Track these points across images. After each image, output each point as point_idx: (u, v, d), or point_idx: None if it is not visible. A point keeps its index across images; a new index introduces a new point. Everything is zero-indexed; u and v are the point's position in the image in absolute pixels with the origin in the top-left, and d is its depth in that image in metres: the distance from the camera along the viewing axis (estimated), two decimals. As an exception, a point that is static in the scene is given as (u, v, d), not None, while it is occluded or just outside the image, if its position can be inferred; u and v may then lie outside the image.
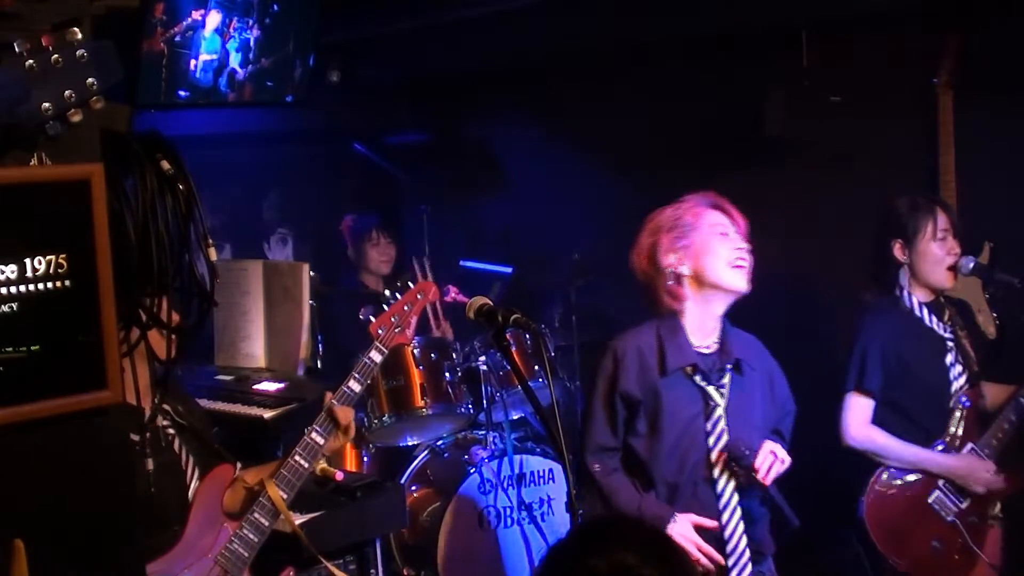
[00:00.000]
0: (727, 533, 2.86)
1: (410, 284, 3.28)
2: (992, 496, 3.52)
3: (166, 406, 2.98)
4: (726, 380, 2.90)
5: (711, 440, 2.88)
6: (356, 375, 3.05)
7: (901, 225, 3.52)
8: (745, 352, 2.95)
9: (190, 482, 2.94)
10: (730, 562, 2.84)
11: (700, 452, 2.88)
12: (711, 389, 2.89)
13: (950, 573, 3.50)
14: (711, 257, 2.87)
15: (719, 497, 2.88)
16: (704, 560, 2.82)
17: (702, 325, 2.94)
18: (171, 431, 2.97)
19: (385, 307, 3.22)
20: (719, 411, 2.87)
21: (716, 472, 2.87)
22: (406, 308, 3.20)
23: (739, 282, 2.87)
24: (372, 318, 3.19)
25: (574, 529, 1.86)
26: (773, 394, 3.00)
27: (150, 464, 2.77)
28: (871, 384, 3.48)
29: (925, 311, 3.54)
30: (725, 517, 2.87)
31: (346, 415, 2.97)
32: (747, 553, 2.86)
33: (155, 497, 2.82)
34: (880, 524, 3.48)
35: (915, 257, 3.51)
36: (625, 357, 2.93)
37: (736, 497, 2.87)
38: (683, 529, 2.83)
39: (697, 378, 2.89)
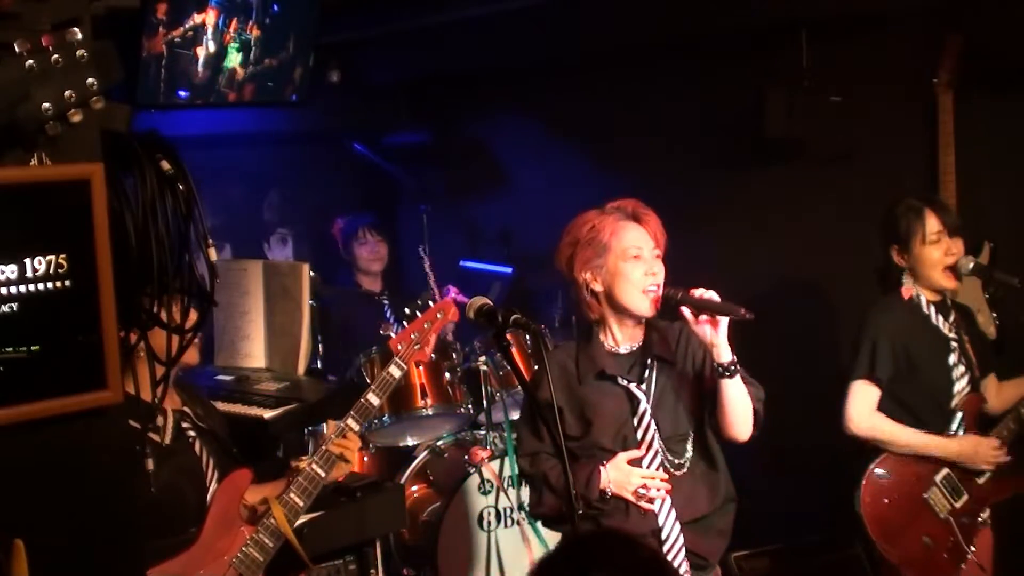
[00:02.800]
0: (663, 534, 2.85)
1: (431, 303, 3.34)
2: (987, 496, 3.53)
3: (186, 408, 3.00)
4: (648, 376, 2.93)
5: (639, 434, 2.90)
6: (375, 389, 3.13)
7: (895, 231, 3.53)
8: (665, 344, 2.97)
9: (210, 484, 2.96)
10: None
11: (632, 449, 2.91)
12: (632, 387, 2.91)
13: (939, 570, 3.51)
14: (623, 281, 2.88)
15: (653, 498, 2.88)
16: (656, 485, 2.84)
17: (621, 329, 2.97)
18: (192, 433, 2.98)
19: (405, 323, 3.29)
20: (643, 406, 2.90)
21: (644, 467, 2.88)
22: (426, 326, 3.28)
23: (645, 309, 2.89)
24: (392, 333, 3.27)
25: (561, 546, 1.82)
26: (704, 373, 2.97)
27: (150, 464, 2.78)
28: (881, 372, 3.49)
29: (933, 309, 3.55)
30: (661, 520, 2.86)
31: (349, 451, 3.04)
32: (683, 553, 2.86)
33: (174, 497, 2.84)
34: (875, 516, 3.50)
35: (912, 261, 3.52)
36: (548, 370, 2.96)
37: (669, 500, 2.86)
38: (618, 474, 2.84)
39: (619, 379, 2.93)
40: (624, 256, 2.88)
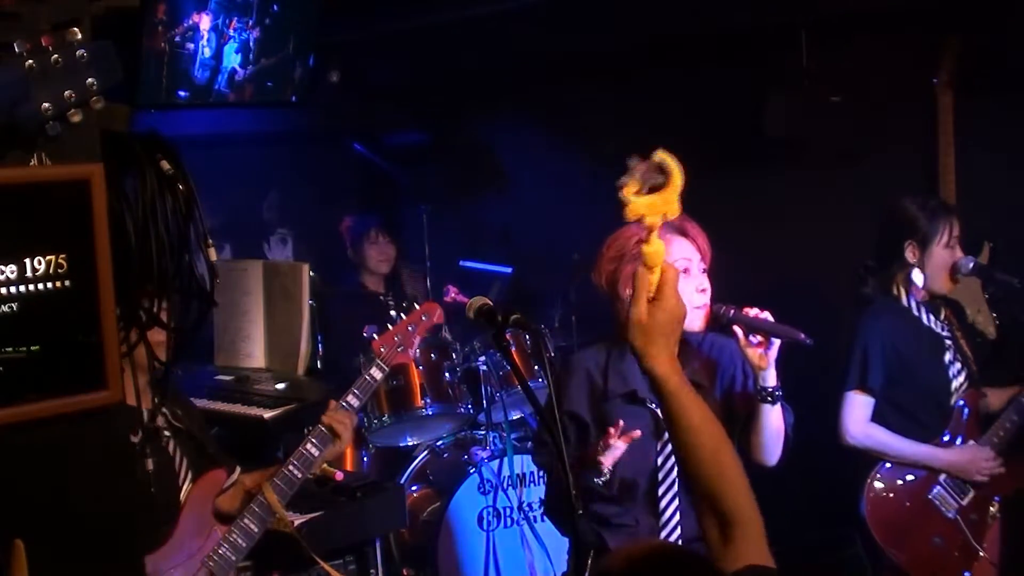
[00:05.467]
0: None
1: (416, 304, 3.29)
2: (992, 492, 3.53)
3: (164, 408, 2.99)
4: None
5: (660, 459, 2.83)
6: (355, 391, 3.09)
7: (917, 227, 3.51)
8: (695, 364, 2.86)
9: (182, 484, 2.95)
10: None
11: (648, 474, 2.83)
12: (659, 411, 2.81)
13: (951, 569, 3.51)
14: None
15: (664, 525, 2.81)
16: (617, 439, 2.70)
17: None
18: (166, 433, 2.98)
19: (389, 325, 3.25)
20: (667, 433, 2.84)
21: (660, 492, 2.82)
22: (410, 328, 3.24)
23: (697, 323, 2.78)
24: (376, 335, 3.22)
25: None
26: (733, 392, 2.89)
27: (150, 464, 2.78)
28: (873, 382, 3.49)
29: (923, 310, 3.56)
30: (670, 538, 2.81)
31: (343, 425, 3.01)
32: None
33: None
34: (880, 520, 3.49)
35: (927, 260, 3.51)
36: (573, 376, 2.89)
37: (680, 529, 2.80)
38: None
39: (648, 403, 2.83)
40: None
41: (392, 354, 3.19)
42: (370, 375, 3.12)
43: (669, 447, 2.82)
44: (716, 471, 1.71)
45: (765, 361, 2.68)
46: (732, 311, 2.72)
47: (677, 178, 1.73)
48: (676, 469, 2.81)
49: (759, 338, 2.69)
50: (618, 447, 2.70)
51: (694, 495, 1.75)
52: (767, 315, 2.71)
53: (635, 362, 2.84)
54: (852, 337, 3.55)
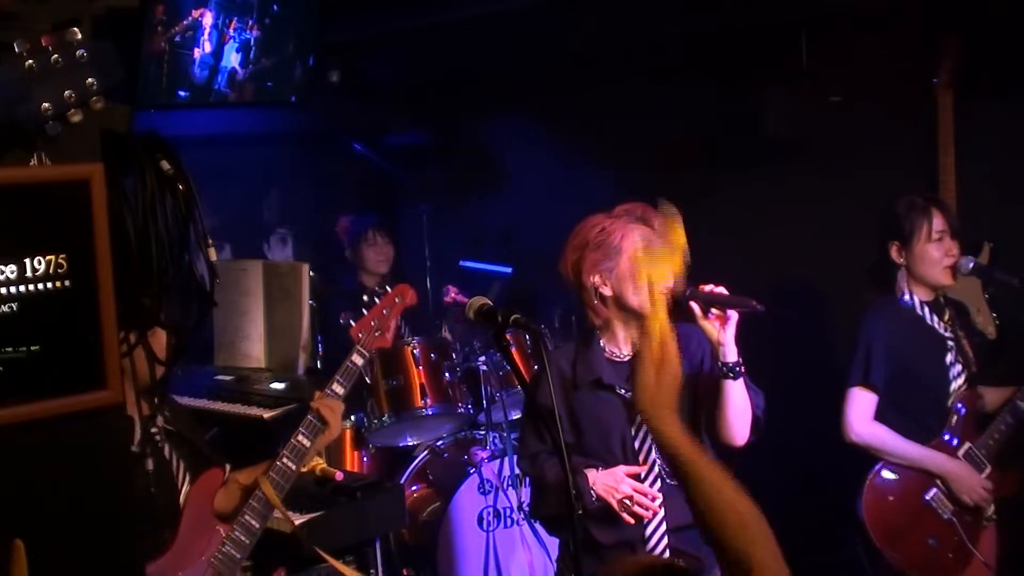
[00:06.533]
0: (650, 543, 2.82)
1: (387, 288, 3.32)
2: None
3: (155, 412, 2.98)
4: None
5: (636, 443, 2.86)
6: (339, 378, 3.12)
7: (897, 227, 3.53)
8: None
9: (181, 487, 2.94)
10: None
11: (627, 462, 2.86)
12: (630, 396, 2.85)
13: (945, 571, 3.51)
14: (633, 284, 2.83)
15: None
16: (644, 501, 2.77)
17: (627, 334, 2.92)
18: (157, 438, 2.96)
19: (364, 311, 3.28)
20: (640, 417, 2.83)
21: (641, 477, 2.84)
22: (385, 312, 3.27)
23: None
24: (352, 322, 3.25)
25: None
26: (701, 376, 2.93)
27: (150, 464, 2.77)
28: (876, 379, 3.49)
29: (927, 310, 3.56)
30: (649, 530, 2.83)
31: (331, 411, 3.02)
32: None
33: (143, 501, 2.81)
34: (877, 520, 3.50)
35: (912, 259, 3.53)
36: (546, 371, 2.93)
37: (664, 511, 2.82)
38: (608, 478, 2.78)
39: (617, 388, 2.88)
40: (636, 258, 2.84)
41: (370, 339, 3.22)
42: (352, 361, 3.15)
43: (644, 430, 2.86)
44: (737, 523, 1.78)
45: (723, 335, 2.73)
46: (688, 289, 2.76)
47: (680, 236, 1.95)
48: (655, 452, 2.84)
49: (716, 312, 2.74)
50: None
51: (715, 547, 1.82)
52: (721, 289, 2.75)
53: (599, 351, 2.93)
54: (855, 335, 3.56)
